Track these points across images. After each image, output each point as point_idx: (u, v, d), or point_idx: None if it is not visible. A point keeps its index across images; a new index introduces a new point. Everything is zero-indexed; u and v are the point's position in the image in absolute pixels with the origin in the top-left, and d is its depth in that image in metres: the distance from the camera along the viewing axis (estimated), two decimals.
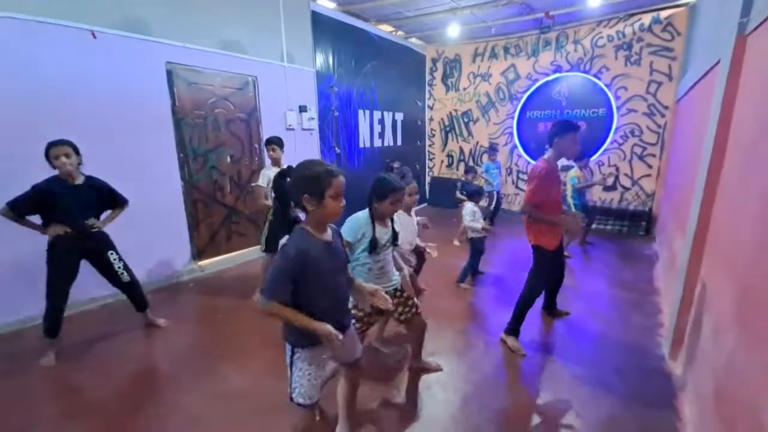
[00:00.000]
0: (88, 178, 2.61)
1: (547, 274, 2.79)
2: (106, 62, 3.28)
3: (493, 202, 6.38)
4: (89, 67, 3.20)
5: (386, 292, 1.70)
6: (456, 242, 5.28)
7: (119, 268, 2.80)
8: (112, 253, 2.77)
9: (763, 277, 1.34)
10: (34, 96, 2.93)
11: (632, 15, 5.76)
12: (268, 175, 3.38)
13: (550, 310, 3.20)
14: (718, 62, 2.36)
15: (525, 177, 7.26)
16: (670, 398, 2.20)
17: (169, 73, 3.69)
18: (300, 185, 1.34)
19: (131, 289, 2.91)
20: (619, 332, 2.98)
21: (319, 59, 5.41)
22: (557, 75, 6.61)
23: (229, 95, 4.27)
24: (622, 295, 3.66)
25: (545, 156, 2.60)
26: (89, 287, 3.11)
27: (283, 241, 1.48)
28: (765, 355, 1.22)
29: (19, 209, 2.40)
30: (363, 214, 1.96)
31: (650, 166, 6.02)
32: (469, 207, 3.77)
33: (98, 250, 2.72)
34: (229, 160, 4.37)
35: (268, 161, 3.73)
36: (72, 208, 2.51)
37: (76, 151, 2.50)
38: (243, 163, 4.54)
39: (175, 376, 2.49)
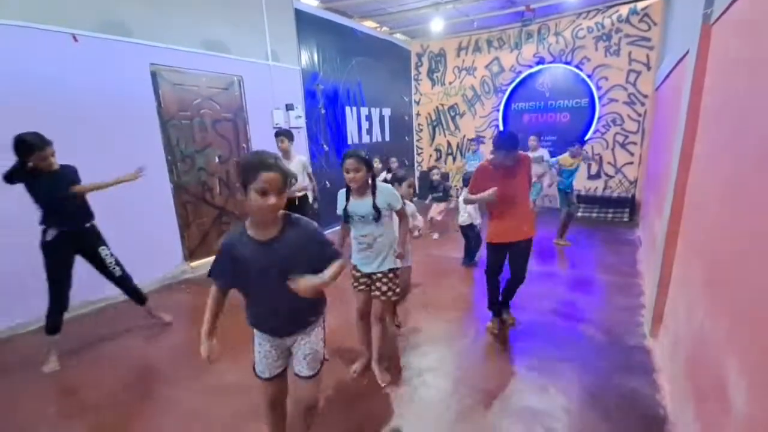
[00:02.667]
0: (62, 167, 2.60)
1: (491, 266, 2.79)
2: (89, 66, 3.27)
3: None
4: (73, 71, 3.19)
5: (362, 273, 2.18)
6: (435, 236, 5.30)
7: (110, 263, 2.85)
8: (103, 249, 2.81)
9: (725, 253, 1.44)
10: (17, 101, 2.91)
11: (610, 6, 5.89)
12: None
13: (500, 309, 2.96)
14: (687, 52, 2.46)
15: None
16: (650, 373, 2.31)
17: (154, 75, 3.68)
18: (237, 173, 1.31)
19: (124, 283, 2.95)
20: (602, 313, 3.10)
21: (304, 57, 5.42)
22: (540, 67, 6.72)
23: (214, 95, 4.27)
24: (606, 279, 3.79)
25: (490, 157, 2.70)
26: (82, 290, 3.13)
27: None
28: (725, 323, 1.32)
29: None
30: (342, 189, 2.19)
31: (632, 154, 6.18)
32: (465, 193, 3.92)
33: (91, 246, 2.76)
34: (217, 160, 4.38)
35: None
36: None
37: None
38: (231, 163, 4.55)
39: (172, 374, 2.53)
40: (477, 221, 4.10)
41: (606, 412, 2.04)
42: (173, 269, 4.09)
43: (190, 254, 4.23)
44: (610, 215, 6.09)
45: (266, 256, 1.33)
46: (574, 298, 3.39)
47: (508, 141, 2.53)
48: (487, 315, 2.99)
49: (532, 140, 5.52)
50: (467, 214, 4.02)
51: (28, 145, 2.36)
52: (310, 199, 4.31)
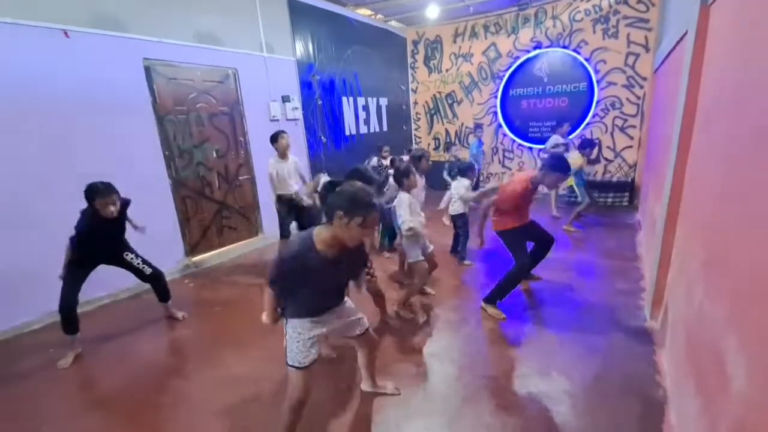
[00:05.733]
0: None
1: (524, 249, 2.96)
2: (81, 61, 3.24)
3: (474, 179, 6.55)
4: (65, 67, 3.15)
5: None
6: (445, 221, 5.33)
7: (138, 264, 2.93)
8: (127, 254, 2.89)
9: (722, 233, 1.45)
10: (8, 99, 2.89)
11: None
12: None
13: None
14: (686, 33, 2.44)
15: (510, 155, 7.37)
16: (650, 354, 2.34)
17: (147, 70, 3.65)
18: (347, 201, 1.47)
19: (156, 281, 3.05)
20: (603, 297, 3.12)
21: (299, 47, 5.36)
22: (538, 51, 6.64)
23: (210, 89, 4.24)
24: (607, 263, 3.81)
25: (532, 174, 2.82)
26: (98, 285, 3.16)
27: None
28: (725, 304, 1.34)
29: None
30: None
31: (631, 138, 6.15)
32: (465, 182, 3.97)
33: (115, 258, 2.86)
34: (215, 155, 4.37)
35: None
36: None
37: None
38: (230, 158, 4.54)
39: (180, 366, 2.59)
40: (466, 210, 4.04)
41: (608, 394, 2.07)
42: (175, 264, 4.10)
43: (192, 249, 4.24)
44: (609, 200, 6.10)
45: (334, 271, 1.57)
46: (575, 282, 3.41)
47: (567, 166, 2.76)
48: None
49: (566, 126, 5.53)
50: (459, 203, 3.98)
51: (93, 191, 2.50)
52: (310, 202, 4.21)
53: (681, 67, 2.44)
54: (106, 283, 3.04)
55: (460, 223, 4.09)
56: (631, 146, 6.17)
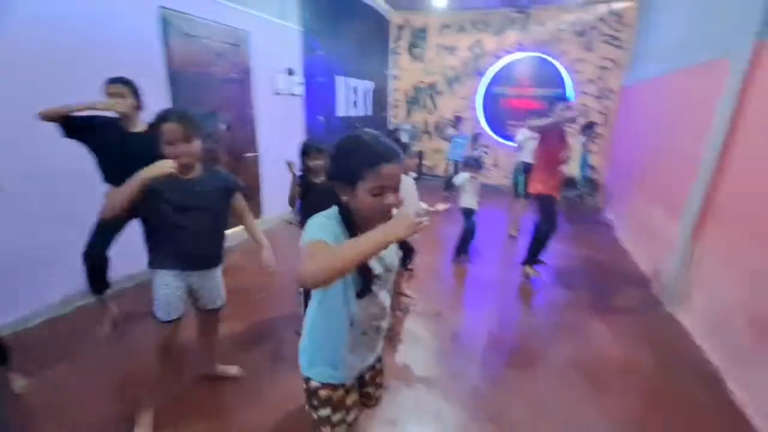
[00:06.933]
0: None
1: (555, 215, 3.42)
2: (91, 2, 2.65)
3: (452, 171, 6.84)
4: (74, 6, 2.56)
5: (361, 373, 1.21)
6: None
7: None
8: None
9: (739, 223, 1.77)
10: (9, 41, 2.28)
11: (591, 4, 6.34)
12: None
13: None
14: (717, 59, 2.82)
15: (488, 151, 7.76)
16: (686, 335, 2.75)
17: (164, 20, 3.11)
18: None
19: None
20: (605, 282, 3.53)
21: (306, 18, 4.98)
22: (521, 54, 7.04)
23: (224, 51, 3.76)
24: (598, 255, 4.29)
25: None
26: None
27: None
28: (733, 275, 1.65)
29: None
30: (329, 219, 1.02)
31: (597, 144, 6.88)
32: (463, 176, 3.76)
33: None
34: (225, 127, 3.91)
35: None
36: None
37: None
38: (237, 131, 4.10)
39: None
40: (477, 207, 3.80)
41: (670, 366, 2.40)
42: None
43: None
44: (576, 197, 6.78)
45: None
46: (571, 273, 3.80)
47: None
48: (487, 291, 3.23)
49: None
50: (469, 196, 3.72)
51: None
52: None
53: (715, 90, 2.83)
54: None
55: (472, 219, 3.77)
56: (596, 152, 6.90)
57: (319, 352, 1.13)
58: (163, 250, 1.65)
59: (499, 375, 2.32)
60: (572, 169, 5.16)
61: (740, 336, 2.23)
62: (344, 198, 0.98)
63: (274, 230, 4.65)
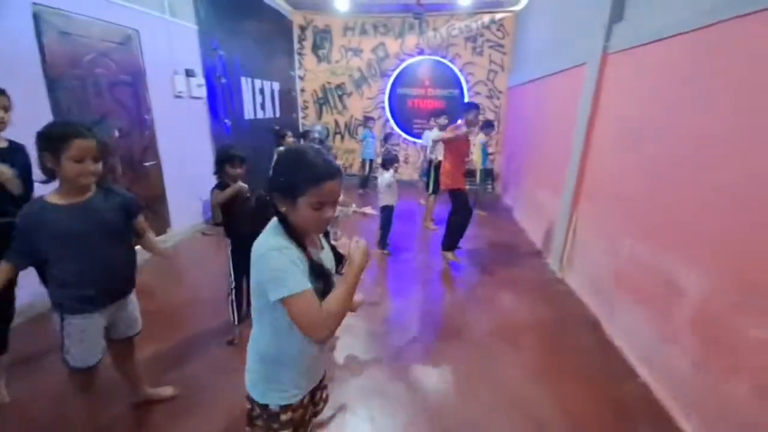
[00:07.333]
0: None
1: (468, 206, 3.88)
2: None
3: (366, 170, 7.14)
4: None
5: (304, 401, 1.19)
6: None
7: None
8: None
9: (601, 197, 2.33)
10: None
11: (476, 13, 7.08)
12: None
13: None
14: (578, 66, 3.46)
15: (396, 149, 8.15)
16: (572, 294, 3.32)
17: (36, 18, 2.69)
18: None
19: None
20: (514, 262, 4.09)
21: (201, 15, 4.69)
22: (421, 57, 7.54)
23: (109, 51, 3.37)
24: (501, 236, 4.89)
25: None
26: None
27: None
28: (600, 241, 2.21)
29: None
30: (272, 238, 1.01)
31: (491, 138, 7.72)
32: (385, 176, 3.99)
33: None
34: (117, 134, 3.52)
35: None
36: None
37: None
38: (134, 138, 3.72)
39: None
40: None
41: (564, 322, 2.90)
42: None
43: None
44: (476, 186, 7.52)
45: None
46: (481, 251, 4.32)
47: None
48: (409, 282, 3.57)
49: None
50: (387, 195, 3.99)
51: None
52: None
53: (578, 89, 3.46)
54: None
55: (388, 214, 4.05)
56: (490, 144, 7.74)
57: (275, 378, 1.11)
58: (70, 290, 1.45)
59: (433, 348, 2.57)
60: (476, 163, 5.72)
61: (608, 289, 2.81)
62: (282, 209, 1.01)
63: (187, 243, 4.34)
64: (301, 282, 0.96)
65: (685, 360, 1.97)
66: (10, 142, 2.00)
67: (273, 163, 1.07)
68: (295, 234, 1.03)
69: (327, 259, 1.14)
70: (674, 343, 2.06)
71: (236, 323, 2.50)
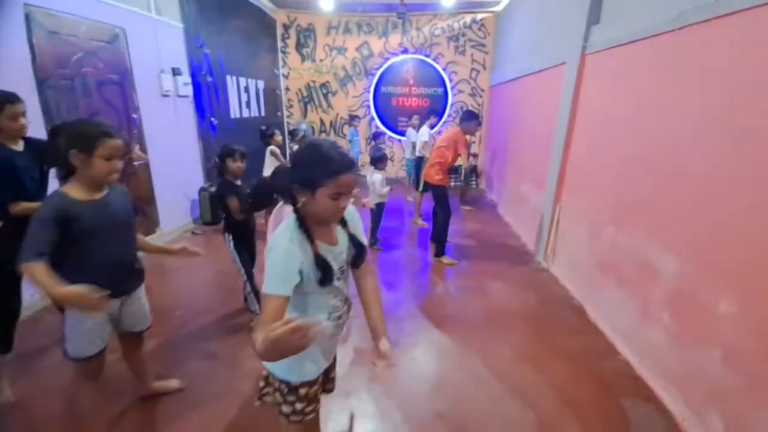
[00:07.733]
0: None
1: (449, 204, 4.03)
2: None
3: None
4: None
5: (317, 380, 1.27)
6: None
7: None
8: None
9: (581, 189, 2.51)
10: None
11: (458, 13, 7.24)
12: None
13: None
14: (556, 66, 3.63)
15: (382, 147, 8.25)
16: (555, 281, 3.50)
17: (28, 18, 2.66)
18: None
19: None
20: (501, 253, 4.26)
21: (186, 14, 4.66)
22: (404, 56, 7.66)
23: (97, 50, 3.34)
24: (487, 230, 5.07)
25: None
26: None
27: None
28: (582, 230, 2.39)
29: None
30: (287, 234, 1.09)
31: (474, 135, 7.90)
32: (378, 175, 4.09)
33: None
34: None
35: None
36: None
37: None
38: (122, 138, 3.68)
39: None
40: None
41: (548, 304, 3.07)
42: None
43: None
44: (460, 183, 7.71)
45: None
46: (469, 246, 4.48)
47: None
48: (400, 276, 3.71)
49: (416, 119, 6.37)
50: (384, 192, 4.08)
51: None
52: None
53: (559, 87, 3.63)
54: None
55: (380, 211, 4.16)
56: (474, 141, 7.94)
57: (299, 356, 0.94)
58: (80, 281, 1.42)
59: (429, 339, 2.68)
60: (461, 160, 5.86)
61: (590, 275, 2.99)
62: (301, 200, 1.09)
63: (177, 243, 4.31)
64: (279, 286, 1.02)
65: (662, 335, 2.15)
66: (26, 139, 2.05)
67: (291, 158, 1.16)
68: (309, 227, 1.11)
69: (338, 253, 1.20)
70: (652, 320, 2.25)
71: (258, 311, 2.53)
